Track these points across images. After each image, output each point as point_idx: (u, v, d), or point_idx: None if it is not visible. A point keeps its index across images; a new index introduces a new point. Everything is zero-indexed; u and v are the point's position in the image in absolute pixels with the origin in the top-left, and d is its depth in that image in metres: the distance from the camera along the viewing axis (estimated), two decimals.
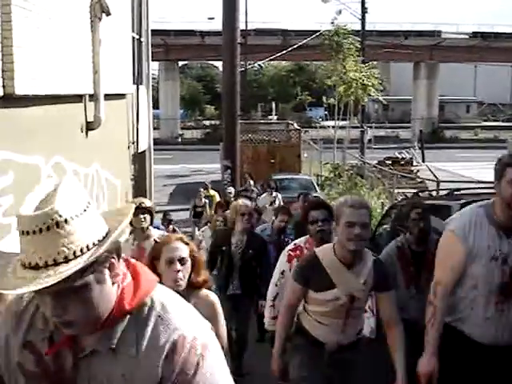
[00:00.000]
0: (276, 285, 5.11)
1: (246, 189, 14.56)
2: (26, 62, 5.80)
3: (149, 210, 5.88)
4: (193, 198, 14.96)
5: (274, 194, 13.43)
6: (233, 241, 6.55)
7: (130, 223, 5.26)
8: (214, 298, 3.67)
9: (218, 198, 13.70)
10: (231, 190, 13.64)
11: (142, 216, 5.79)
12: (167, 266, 3.42)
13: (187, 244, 3.55)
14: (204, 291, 3.62)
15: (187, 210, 15.19)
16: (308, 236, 4.98)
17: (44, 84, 6.39)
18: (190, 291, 3.47)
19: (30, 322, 1.84)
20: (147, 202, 6.01)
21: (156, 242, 5.07)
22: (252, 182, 15.35)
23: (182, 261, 3.44)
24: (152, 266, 3.33)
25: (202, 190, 14.88)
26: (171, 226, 11.44)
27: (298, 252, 4.91)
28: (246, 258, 6.51)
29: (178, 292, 2.80)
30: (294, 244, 5.04)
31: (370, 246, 4.91)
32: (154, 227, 9.20)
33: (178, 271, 3.40)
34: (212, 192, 14.98)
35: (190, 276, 3.50)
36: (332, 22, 25.14)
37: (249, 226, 6.60)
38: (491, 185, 10.45)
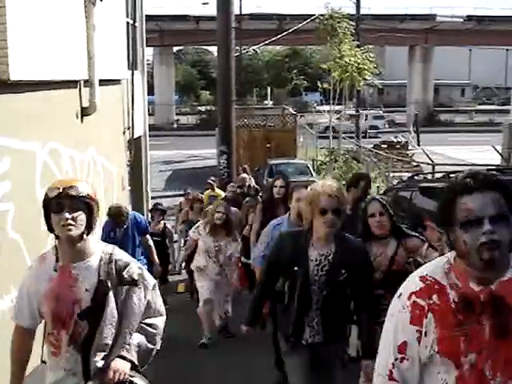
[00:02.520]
0: (394, 368, 2.28)
1: (242, 185, 12.17)
2: (21, 48, 5.79)
3: (87, 203, 3.11)
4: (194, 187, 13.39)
5: None
6: (311, 255, 3.95)
7: (50, 229, 3.18)
8: None
9: None
10: (233, 187, 12.05)
11: (67, 215, 3.04)
12: None
13: None
14: None
15: (184, 195, 15.00)
16: (452, 254, 2.28)
17: (39, 69, 6.37)
18: None
19: None
20: (82, 187, 3.11)
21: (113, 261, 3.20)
22: (247, 177, 12.97)
23: None
24: None
25: (189, 190, 12.50)
26: (163, 222, 9.99)
27: (435, 298, 2.24)
28: (335, 282, 3.94)
29: None
30: (423, 278, 2.28)
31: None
32: (138, 225, 8.01)
33: None
34: (218, 191, 12.41)
35: None
36: (326, 7, 24.99)
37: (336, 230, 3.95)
38: (486, 167, 10.49)
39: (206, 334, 7.45)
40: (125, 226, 7.66)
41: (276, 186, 7.18)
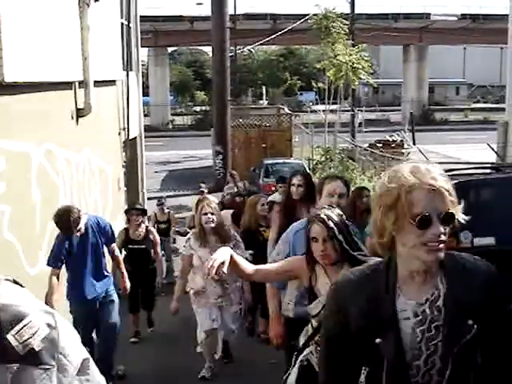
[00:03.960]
0: None
1: (251, 191, 11.05)
2: (15, 50, 5.77)
3: None
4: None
5: None
6: (402, 309, 1.96)
7: None
8: None
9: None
10: (231, 188, 11.16)
11: None
12: None
13: None
14: None
15: (179, 196, 14.96)
16: None
17: (34, 71, 6.36)
18: None
19: None
20: None
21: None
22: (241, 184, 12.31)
23: None
24: None
25: (163, 199, 11.25)
26: (144, 225, 8.13)
27: None
28: (460, 346, 1.87)
29: None
30: None
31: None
32: (101, 231, 6.08)
33: None
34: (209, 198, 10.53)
35: None
36: (317, 5, 24.90)
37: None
38: (481, 165, 10.48)
39: (208, 365, 6.47)
40: (78, 234, 5.89)
41: (294, 185, 5.61)
